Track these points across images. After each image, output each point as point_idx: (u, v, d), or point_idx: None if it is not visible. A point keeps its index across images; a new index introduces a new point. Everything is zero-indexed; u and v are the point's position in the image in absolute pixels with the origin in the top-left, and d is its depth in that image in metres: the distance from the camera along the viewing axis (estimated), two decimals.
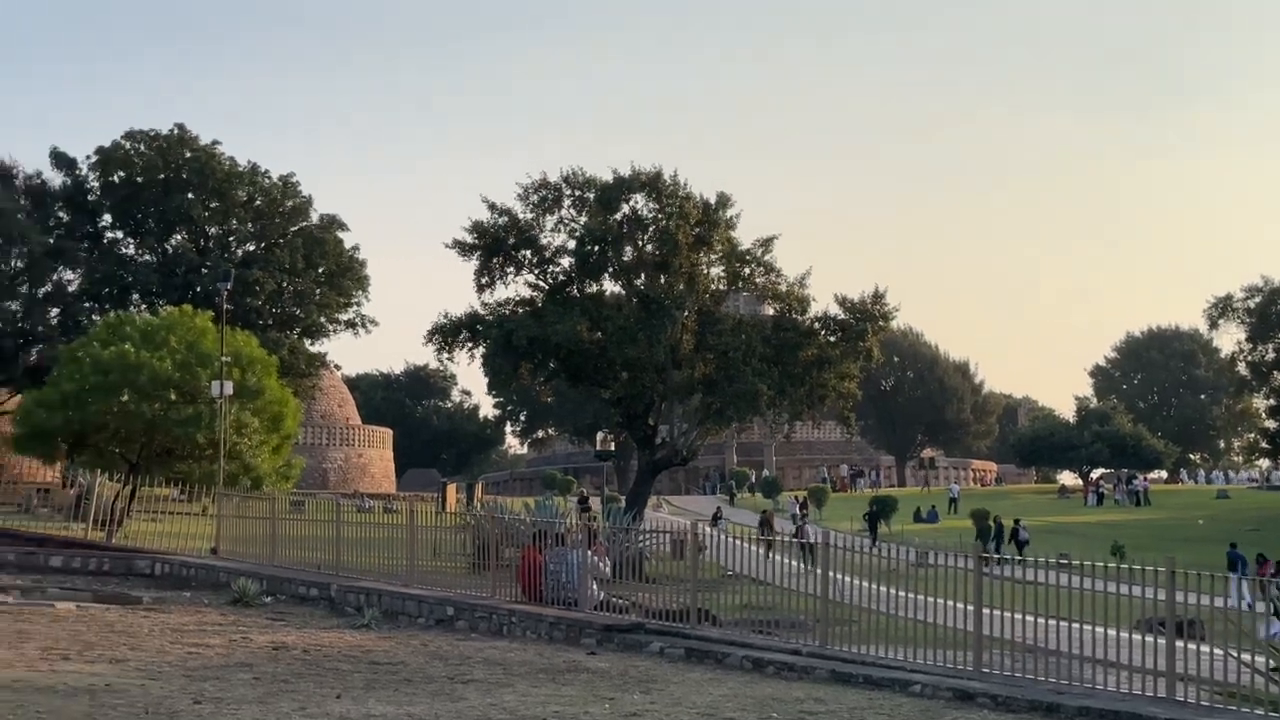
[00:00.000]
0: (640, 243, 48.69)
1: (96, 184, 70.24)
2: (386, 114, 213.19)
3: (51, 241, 68.40)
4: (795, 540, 29.09)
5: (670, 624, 21.74)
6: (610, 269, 49.73)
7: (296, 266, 69.77)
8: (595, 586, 23.67)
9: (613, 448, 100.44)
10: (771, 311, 47.34)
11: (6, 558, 29.09)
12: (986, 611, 18.13)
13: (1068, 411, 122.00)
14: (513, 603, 24.23)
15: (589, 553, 23.71)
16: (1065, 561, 19.39)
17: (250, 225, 71.80)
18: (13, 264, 68.08)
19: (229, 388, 34.02)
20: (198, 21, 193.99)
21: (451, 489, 57.49)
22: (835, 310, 44.71)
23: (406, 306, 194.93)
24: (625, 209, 48.39)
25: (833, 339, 44.52)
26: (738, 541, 23.59)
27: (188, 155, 69.79)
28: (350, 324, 73.34)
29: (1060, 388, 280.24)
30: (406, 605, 24.80)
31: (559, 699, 15.27)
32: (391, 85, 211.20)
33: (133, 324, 37.44)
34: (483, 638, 22.34)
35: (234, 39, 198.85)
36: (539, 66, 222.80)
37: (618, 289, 50.47)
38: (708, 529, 27.82)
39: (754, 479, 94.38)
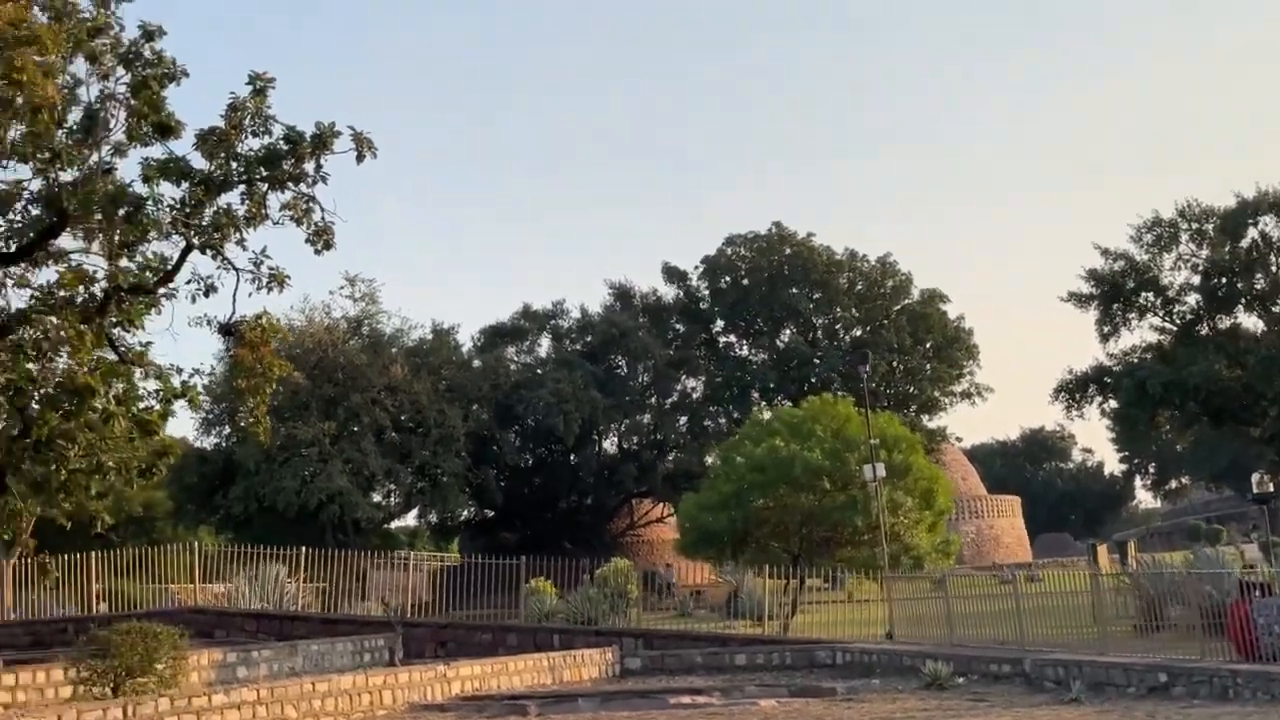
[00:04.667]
0: (1275, 268, 45.39)
1: (706, 292, 73.19)
2: (974, 181, 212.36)
3: (671, 353, 71.72)
4: None
5: None
6: (1243, 300, 46.58)
7: (904, 345, 69.86)
8: None
9: (1270, 488, 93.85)
10: None
11: (694, 659, 29.89)
12: None
13: None
14: (1228, 662, 22.44)
15: None
16: None
17: (854, 311, 72.60)
18: (640, 379, 71.89)
19: (880, 469, 33.98)
20: (784, 128, 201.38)
21: (1102, 549, 55.13)
22: None
23: (1010, 369, 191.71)
24: (1253, 233, 45.25)
25: None
26: None
27: (787, 252, 71.60)
28: (965, 394, 72.55)
29: None
30: (1112, 674, 23.44)
31: None
32: (967, 156, 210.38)
33: (779, 418, 38.30)
34: (1206, 703, 20.72)
35: (811, 135, 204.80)
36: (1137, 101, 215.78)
37: (1255, 319, 47.19)
38: None
39: None
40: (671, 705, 22.71)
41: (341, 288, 65.23)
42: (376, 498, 64.72)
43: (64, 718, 17.39)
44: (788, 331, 72.84)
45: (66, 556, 34.81)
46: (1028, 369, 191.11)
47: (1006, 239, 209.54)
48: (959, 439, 76.94)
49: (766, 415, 49.01)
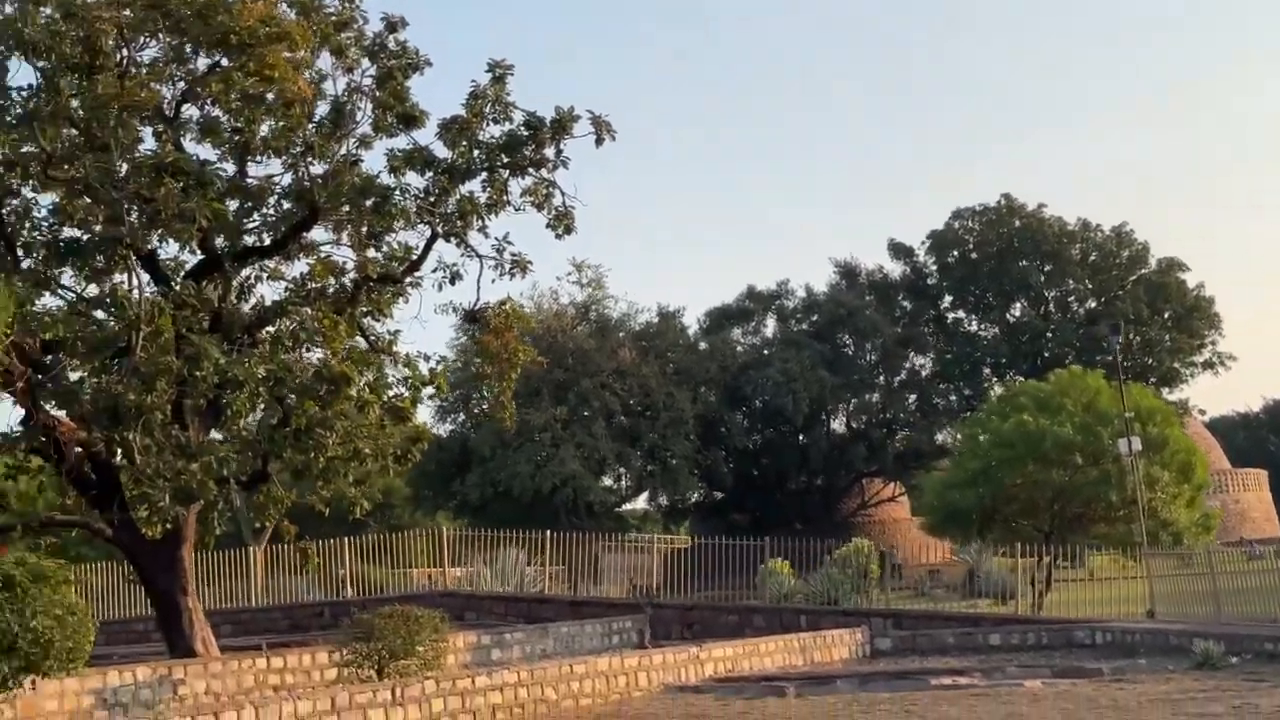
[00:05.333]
0: None
1: (933, 267, 71.98)
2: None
3: (899, 330, 70.73)
4: None
5: None
6: None
7: (1141, 315, 67.69)
8: None
9: None
10: None
11: (946, 640, 29.27)
12: None
13: None
14: None
15: None
16: None
17: (1087, 283, 70.63)
18: (868, 357, 71.05)
19: (1136, 443, 32.80)
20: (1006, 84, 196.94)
21: None
22: None
23: (1249, 337, 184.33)
24: None
25: None
26: None
27: (1017, 224, 69.98)
28: (1207, 364, 70.03)
29: None
30: None
31: None
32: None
33: (1025, 393, 37.34)
34: None
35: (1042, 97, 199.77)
36: None
37: None
38: None
39: None
40: (933, 686, 22.20)
41: (569, 274, 65.84)
42: (607, 481, 65.25)
43: (337, 699, 17.67)
44: (1018, 305, 71.26)
45: (313, 543, 35.64)
46: (1268, 336, 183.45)
47: (1251, 204, 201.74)
48: (1202, 411, 74.22)
49: (1001, 391, 47.86)
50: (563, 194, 25.48)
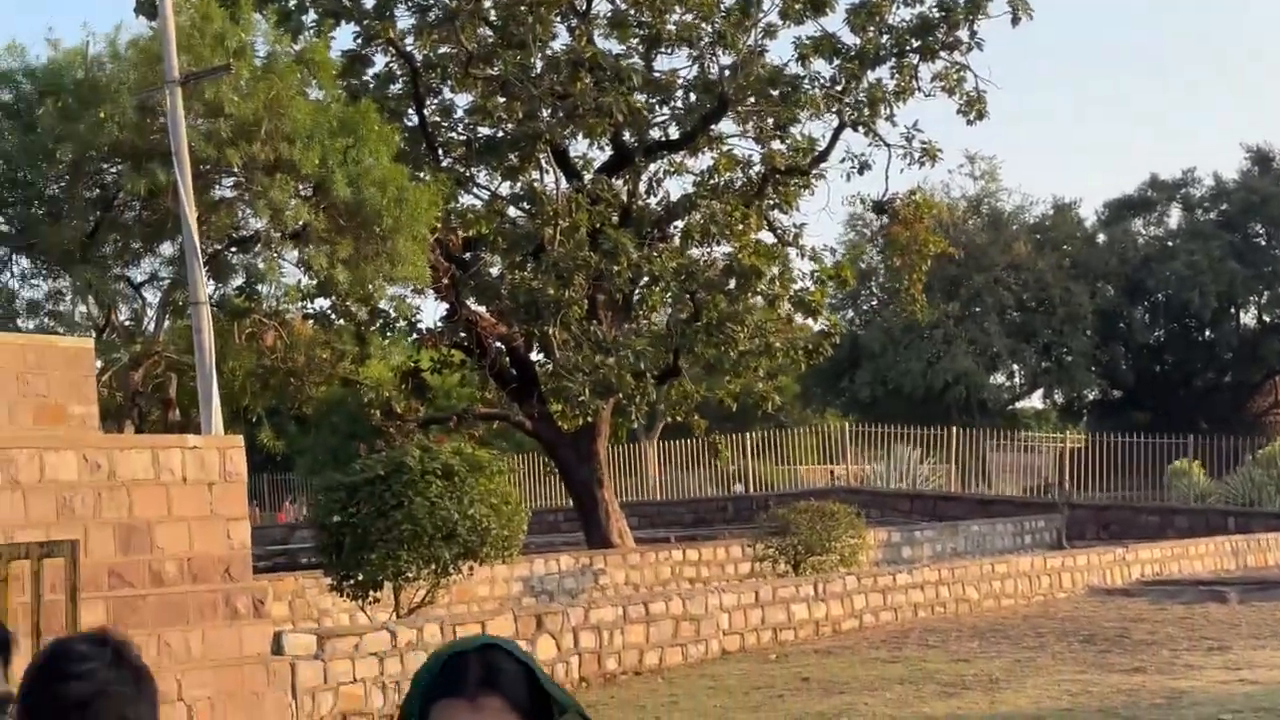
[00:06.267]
0: None
1: None
2: None
3: None
4: None
5: None
6: None
7: None
8: None
9: None
10: None
11: None
12: None
13: None
14: None
15: None
16: None
17: None
18: None
19: None
20: None
21: None
22: None
23: None
24: None
25: None
26: None
27: None
28: None
29: None
30: None
31: None
32: None
33: None
34: None
35: None
36: None
37: None
38: None
39: None
40: None
41: (961, 166, 63.98)
42: (1000, 379, 63.57)
43: (760, 593, 17.60)
44: None
45: (702, 438, 35.65)
46: None
47: None
48: None
49: None
50: (976, 77, 24.50)
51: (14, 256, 20.32)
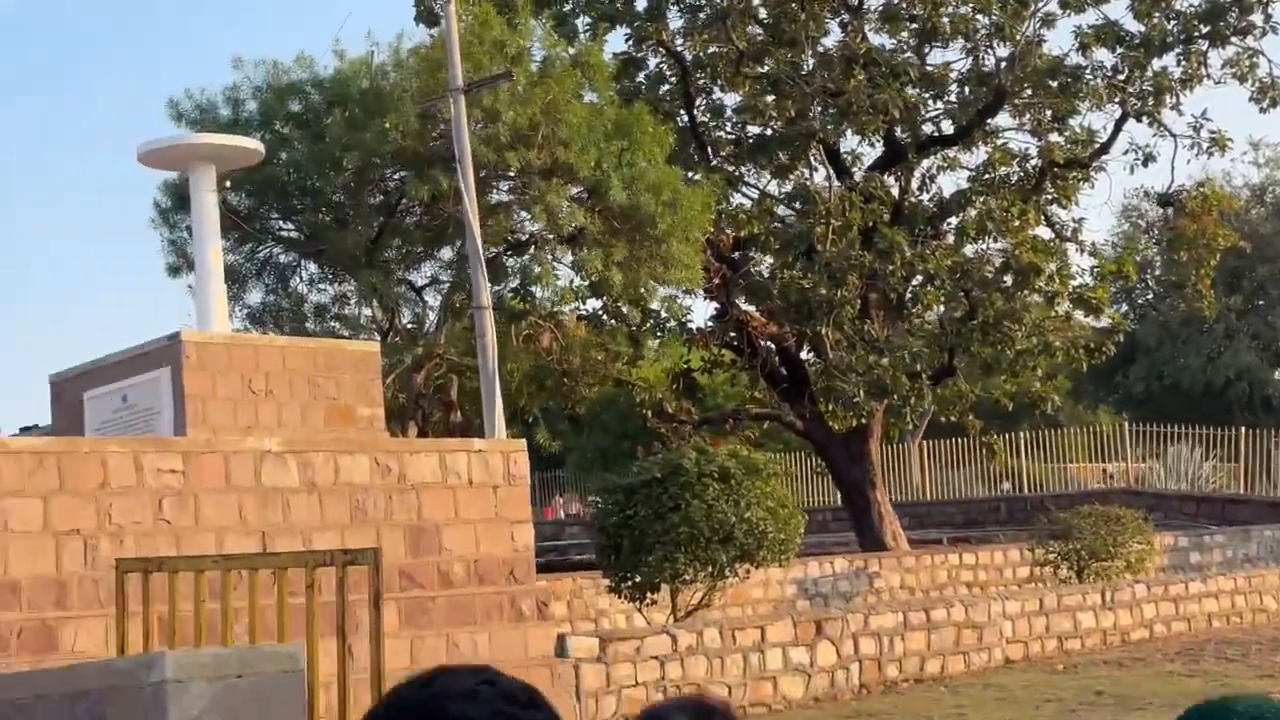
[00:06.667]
0: None
1: None
2: None
3: None
4: None
5: None
6: None
7: None
8: None
9: None
10: None
11: None
12: None
13: None
14: None
15: None
16: None
17: None
18: None
19: None
20: None
21: None
22: None
23: None
24: None
25: None
26: None
27: None
28: None
29: None
30: None
31: None
32: None
33: None
34: None
35: None
36: None
37: None
38: None
39: None
40: None
41: (1244, 153, 61.08)
42: None
43: (1045, 600, 17.07)
44: None
45: (966, 439, 34.77)
46: None
47: None
48: None
49: None
50: (1270, 62, 23.36)
51: (302, 262, 21.07)
